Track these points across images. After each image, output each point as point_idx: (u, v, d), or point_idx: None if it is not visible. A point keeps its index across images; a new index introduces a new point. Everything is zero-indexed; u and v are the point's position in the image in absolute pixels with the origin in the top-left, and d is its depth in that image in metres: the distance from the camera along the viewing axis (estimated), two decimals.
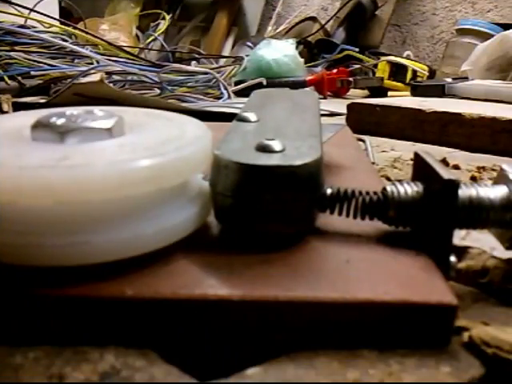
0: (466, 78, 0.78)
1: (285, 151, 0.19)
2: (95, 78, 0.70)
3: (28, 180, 0.15)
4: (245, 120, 0.24)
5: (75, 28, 0.93)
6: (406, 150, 0.45)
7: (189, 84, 0.81)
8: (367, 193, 0.20)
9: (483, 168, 0.39)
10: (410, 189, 0.19)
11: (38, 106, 0.65)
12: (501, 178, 0.20)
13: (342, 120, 0.58)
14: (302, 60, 0.98)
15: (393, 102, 0.54)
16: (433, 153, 0.21)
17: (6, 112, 0.57)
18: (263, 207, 0.18)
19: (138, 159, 0.16)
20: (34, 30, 0.88)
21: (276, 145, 0.19)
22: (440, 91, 0.71)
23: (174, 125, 0.21)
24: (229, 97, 0.80)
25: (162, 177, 0.17)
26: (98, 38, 0.87)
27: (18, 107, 0.60)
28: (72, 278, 0.16)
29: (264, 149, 0.19)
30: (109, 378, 0.14)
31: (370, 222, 0.20)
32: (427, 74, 1.03)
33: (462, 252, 0.22)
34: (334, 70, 0.93)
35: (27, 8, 0.92)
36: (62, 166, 0.16)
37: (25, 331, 0.16)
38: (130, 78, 0.79)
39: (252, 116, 0.24)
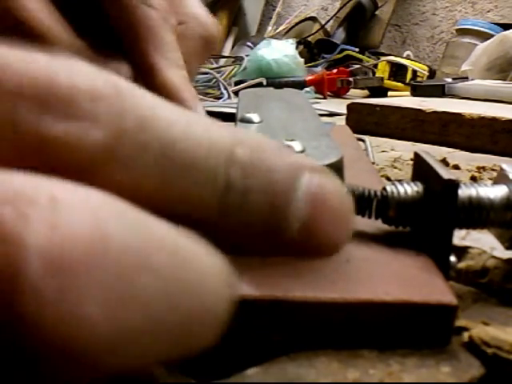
0: (466, 78, 0.78)
1: (306, 152, 0.19)
2: None
3: None
4: (249, 121, 0.24)
5: None
6: (406, 150, 0.45)
7: None
8: (378, 192, 0.20)
9: (483, 168, 0.39)
10: (409, 189, 0.19)
11: None
12: (501, 178, 0.20)
13: (342, 120, 0.58)
14: (302, 60, 0.98)
15: (393, 102, 0.54)
16: (433, 153, 0.21)
17: None
18: None
19: None
20: None
21: (297, 145, 0.19)
22: (440, 91, 0.71)
23: None
24: (229, 97, 0.80)
25: None
26: None
27: None
28: None
29: None
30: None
31: (369, 221, 0.20)
32: (427, 73, 1.03)
33: (462, 252, 0.22)
34: (334, 70, 0.93)
35: None
36: None
37: None
38: None
39: (255, 117, 0.24)
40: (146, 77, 0.27)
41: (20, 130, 0.10)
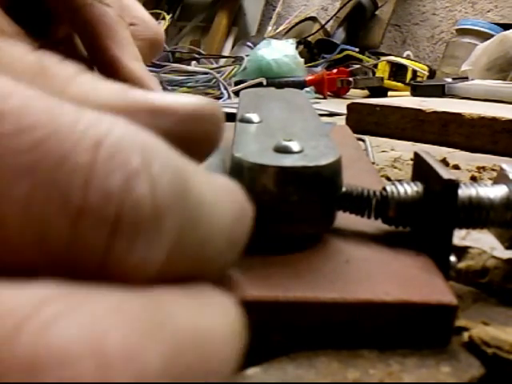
0: (466, 78, 0.78)
1: (304, 152, 0.19)
2: None
3: None
4: (248, 121, 0.24)
5: None
6: (406, 150, 0.45)
7: (189, 84, 0.81)
8: (377, 192, 0.20)
9: (483, 168, 0.39)
10: (409, 189, 0.19)
11: None
12: (501, 178, 0.20)
13: (342, 120, 0.58)
14: (302, 60, 0.98)
15: (393, 102, 0.54)
16: (433, 153, 0.21)
17: None
18: (290, 208, 0.18)
19: None
20: None
21: (294, 145, 0.19)
22: (440, 91, 0.71)
23: None
24: (229, 97, 0.80)
25: None
26: None
27: None
28: None
29: (283, 150, 0.19)
30: None
31: (369, 221, 0.20)
32: (427, 74, 1.03)
33: (462, 252, 0.22)
34: (334, 70, 0.93)
35: None
36: None
37: None
38: None
39: (255, 117, 0.24)
40: (109, 70, 0.27)
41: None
